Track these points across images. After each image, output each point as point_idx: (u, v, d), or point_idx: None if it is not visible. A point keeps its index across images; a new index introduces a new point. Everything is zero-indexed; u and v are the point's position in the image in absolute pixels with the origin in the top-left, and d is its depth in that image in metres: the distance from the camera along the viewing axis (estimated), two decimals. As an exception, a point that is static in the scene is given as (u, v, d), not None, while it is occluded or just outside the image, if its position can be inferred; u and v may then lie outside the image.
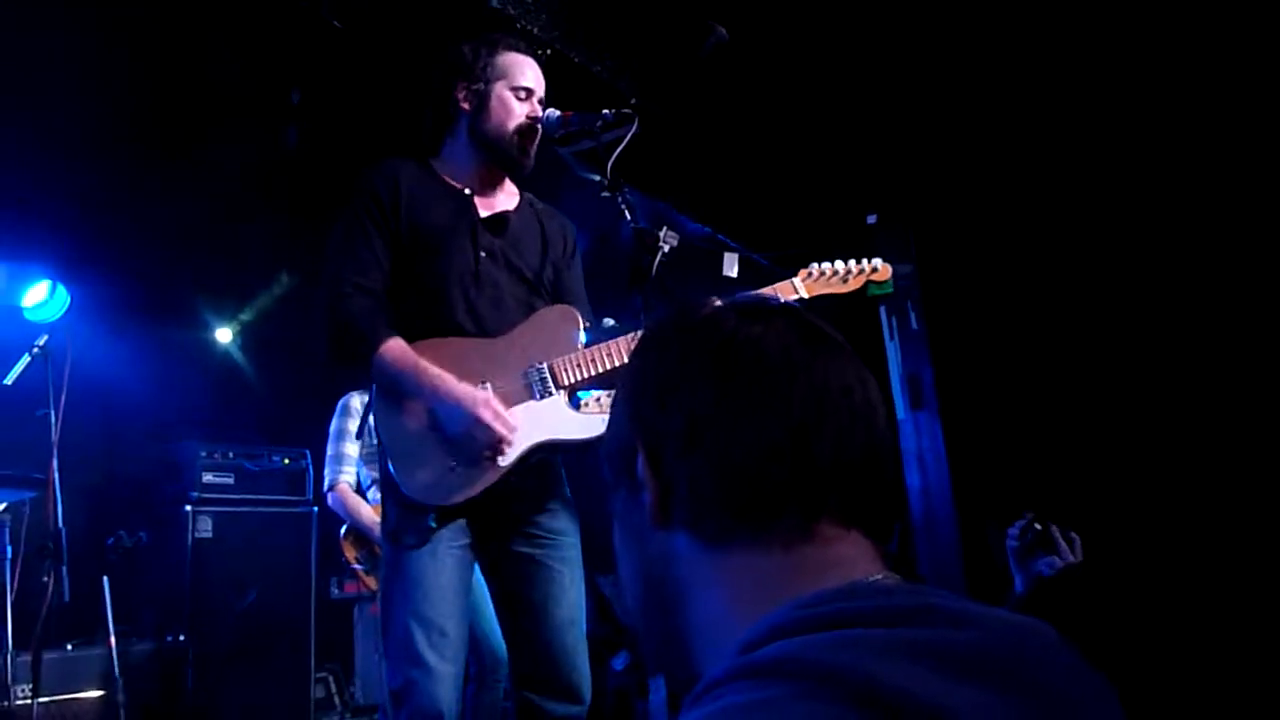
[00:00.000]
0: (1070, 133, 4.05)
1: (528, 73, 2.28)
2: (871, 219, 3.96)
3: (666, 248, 1.85)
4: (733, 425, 0.70)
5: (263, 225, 4.83)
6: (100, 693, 3.45)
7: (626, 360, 2.06)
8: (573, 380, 2.12)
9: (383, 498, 2.18)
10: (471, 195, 2.26)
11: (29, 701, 3.07)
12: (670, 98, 3.54)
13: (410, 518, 2.07)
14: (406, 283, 2.17)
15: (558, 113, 2.20)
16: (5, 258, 4.41)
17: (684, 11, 3.28)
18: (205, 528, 4.40)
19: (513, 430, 2.04)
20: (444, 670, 1.97)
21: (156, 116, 3.90)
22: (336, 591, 4.91)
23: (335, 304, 2.08)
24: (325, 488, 3.83)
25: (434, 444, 2.07)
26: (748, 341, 0.73)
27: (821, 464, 0.67)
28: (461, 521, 2.11)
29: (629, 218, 1.80)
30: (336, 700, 5.14)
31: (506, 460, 2.06)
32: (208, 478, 4.49)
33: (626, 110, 1.99)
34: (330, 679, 5.17)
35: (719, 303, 0.79)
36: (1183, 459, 3.90)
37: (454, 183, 2.27)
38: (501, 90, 2.24)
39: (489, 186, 2.32)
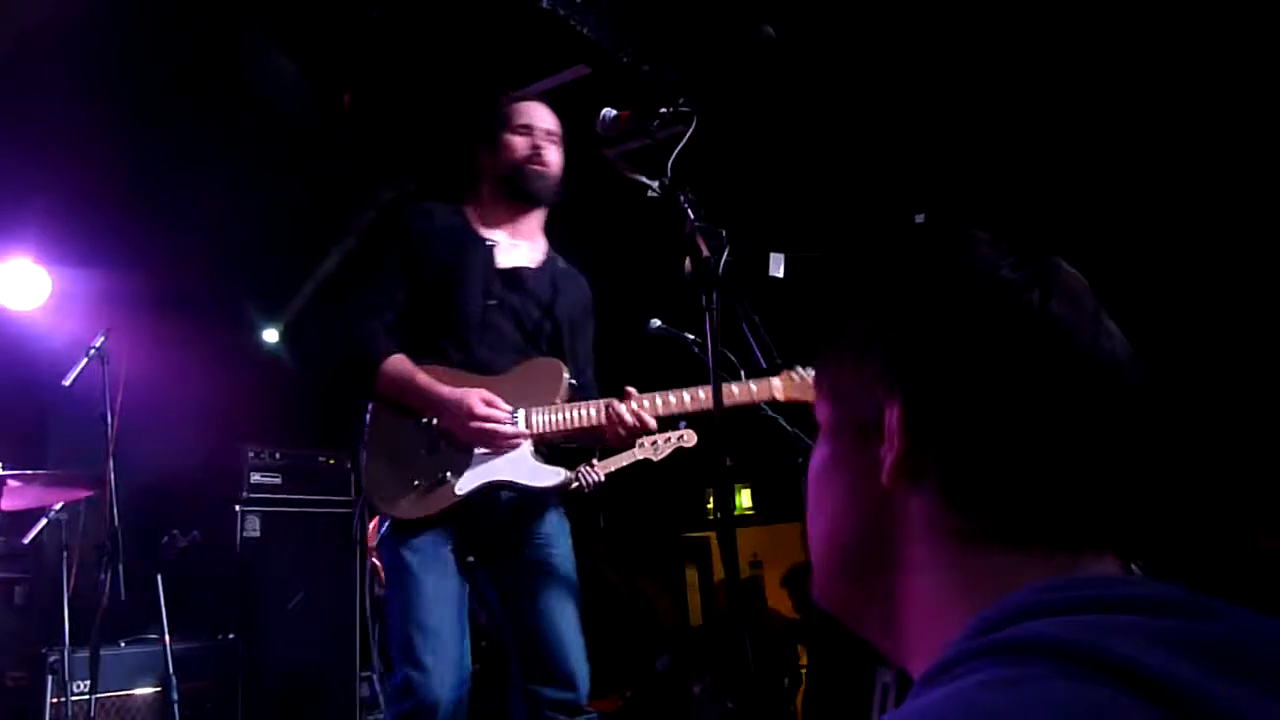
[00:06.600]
0: (1126, 138, 3.98)
1: (525, 112, 2.43)
2: (920, 218, 3.91)
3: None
4: (1038, 423, 0.59)
5: (311, 228, 4.87)
6: (156, 689, 3.50)
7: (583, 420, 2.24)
8: (542, 430, 2.25)
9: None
10: (493, 246, 2.39)
11: (87, 698, 3.12)
12: (717, 96, 3.53)
13: (397, 528, 2.23)
14: (416, 319, 2.32)
15: (614, 112, 2.19)
16: (55, 259, 4.48)
17: (732, 11, 3.26)
18: (253, 527, 4.45)
19: (509, 412, 2.21)
20: (439, 668, 2.13)
21: (208, 120, 3.95)
22: (380, 590, 4.93)
23: (347, 327, 2.29)
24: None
25: (406, 462, 2.23)
26: (1059, 339, 0.61)
27: (1121, 492, 0.60)
28: (450, 529, 2.25)
29: (691, 215, 1.78)
30: (381, 700, 5.16)
31: (462, 489, 2.21)
32: (255, 478, 4.54)
33: (684, 109, 1.98)
34: (374, 678, 5.19)
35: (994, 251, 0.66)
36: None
37: (484, 231, 2.41)
38: (504, 135, 2.41)
39: (516, 237, 2.45)
